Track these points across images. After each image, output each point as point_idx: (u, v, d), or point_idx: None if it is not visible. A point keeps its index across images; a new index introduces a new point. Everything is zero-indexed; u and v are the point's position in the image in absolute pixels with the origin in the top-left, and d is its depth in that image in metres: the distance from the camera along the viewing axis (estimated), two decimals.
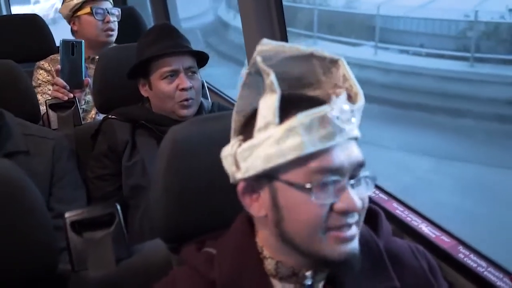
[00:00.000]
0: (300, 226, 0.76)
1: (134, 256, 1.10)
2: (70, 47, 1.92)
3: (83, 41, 1.96)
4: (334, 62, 0.80)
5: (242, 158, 0.77)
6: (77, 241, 1.06)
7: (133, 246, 1.13)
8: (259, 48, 0.77)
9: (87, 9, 2.25)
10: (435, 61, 6.71)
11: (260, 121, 0.76)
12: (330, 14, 8.28)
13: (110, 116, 1.72)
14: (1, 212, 0.97)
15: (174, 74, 1.61)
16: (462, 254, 1.20)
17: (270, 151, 0.74)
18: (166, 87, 1.62)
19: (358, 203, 0.76)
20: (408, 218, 1.35)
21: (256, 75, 0.78)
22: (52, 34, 2.62)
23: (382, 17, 7.52)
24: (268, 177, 0.77)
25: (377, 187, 1.49)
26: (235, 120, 0.83)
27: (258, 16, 1.76)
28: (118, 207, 1.09)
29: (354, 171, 0.76)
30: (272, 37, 1.75)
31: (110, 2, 2.32)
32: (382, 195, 1.45)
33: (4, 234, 0.97)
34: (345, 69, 0.79)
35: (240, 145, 0.79)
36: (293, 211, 0.76)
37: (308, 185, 0.74)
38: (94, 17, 2.24)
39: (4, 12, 3.74)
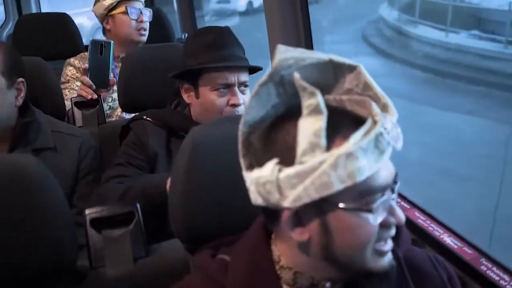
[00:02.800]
0: (352, 247, 0.76)
1: (151, 255, 1.11)
2: (99, 47, 1.95)
3: (112, 42, 1.99)
4: (352, 68, 0.77)
5: (289, 186, 0.71)
6: (96, 238, 1.07)
7: (151, 245, 1.13)
8: (280, 56, 0.74)
9: (122, 8, 2.29)
10: (486, 43, 8.30)
11: (303, 144, 0.71)
12: (435, 5, 9.77)
13: (144, 117, 1.58)
14: (22, 206, 0.98)
15: (227, 87, 1.48)
16: (485, 267, 1.17)
17: (326, 178, 0.69)
18: (216, 100, 1.47)
19: (403, 215, 0.77)
20: (430, 228, 1.33)
21: (272, 86, 0.75)
22: (79, 33, 2.66)
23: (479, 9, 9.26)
24: (318, 203, 0.72)
25: (400, 195, 1.47)
26: (243, 132, 0.79)
27: (282, 14, 1.75)
28: (138, 206, 1.10)
29: (392, 183, 0.76)
30: (296, 35, 1.73)
31: (142, 3, 2.36)
32: (404, 204, 1.43)
33: (24, 228, 0.98)
34: (366, 76, 0.76)
35: (280, 169, 0.72)
36: (346, 234, 0.75)
37: (364, 208, 0.73)
38: (129, 16, 2.28)
39: (34, 10, 3.80)
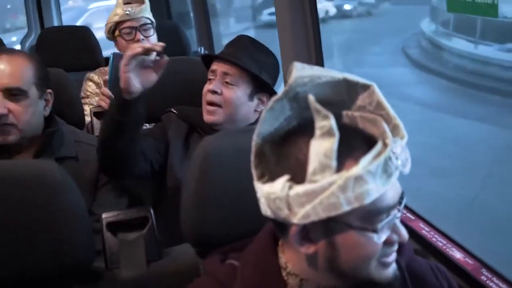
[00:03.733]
0: (356, 261, 0.78)
1: (164, 258, 1.15)
2: (120, 60, 2.01)
3: None
4: (365, 87, 0.79)
5: (298, 204, 0.73)
6: (112, 241, 1.12)
7: (164, 249, 1.18)
8: (296, 74, 0.76)
9: (117, 32, 2.28)
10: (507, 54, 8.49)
11: (314, 164, 0.72)
12: (469, 18, 9.88)
13: (171, 109, 1.73)
14: (44, 209, 1.03)
15: (213, 77, 1.63)
16: (485, 277, 1.20)
17: (334, 199, 0.71)
18: (205, 87, 1.64)
19: (407, 233, 0.80)
20: (434, 239, 1.36)
21: (287, 102, 0.78)
22: (99, 46, 2.73)
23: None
24: (325, 221, 0.74)
25: (405, 206, 1.50)
26: (256, 143, 0.81)
27: (294, 34, 1.80)
28: (152, 211, 1.15)
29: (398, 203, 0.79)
30: (308, 56, 1.79)
31: (146, 17, 2.28)
32: (409, 215, 1.45)
33: (45, 229, 1.03)
34: (379, 96, 0.78)
35: (290, 187, 0.74)
36: (351, 251, 0.77)
37: (370, 228, 0.76)
38: (123, 39, 2.27)
39: (56, 23, 3.90)
